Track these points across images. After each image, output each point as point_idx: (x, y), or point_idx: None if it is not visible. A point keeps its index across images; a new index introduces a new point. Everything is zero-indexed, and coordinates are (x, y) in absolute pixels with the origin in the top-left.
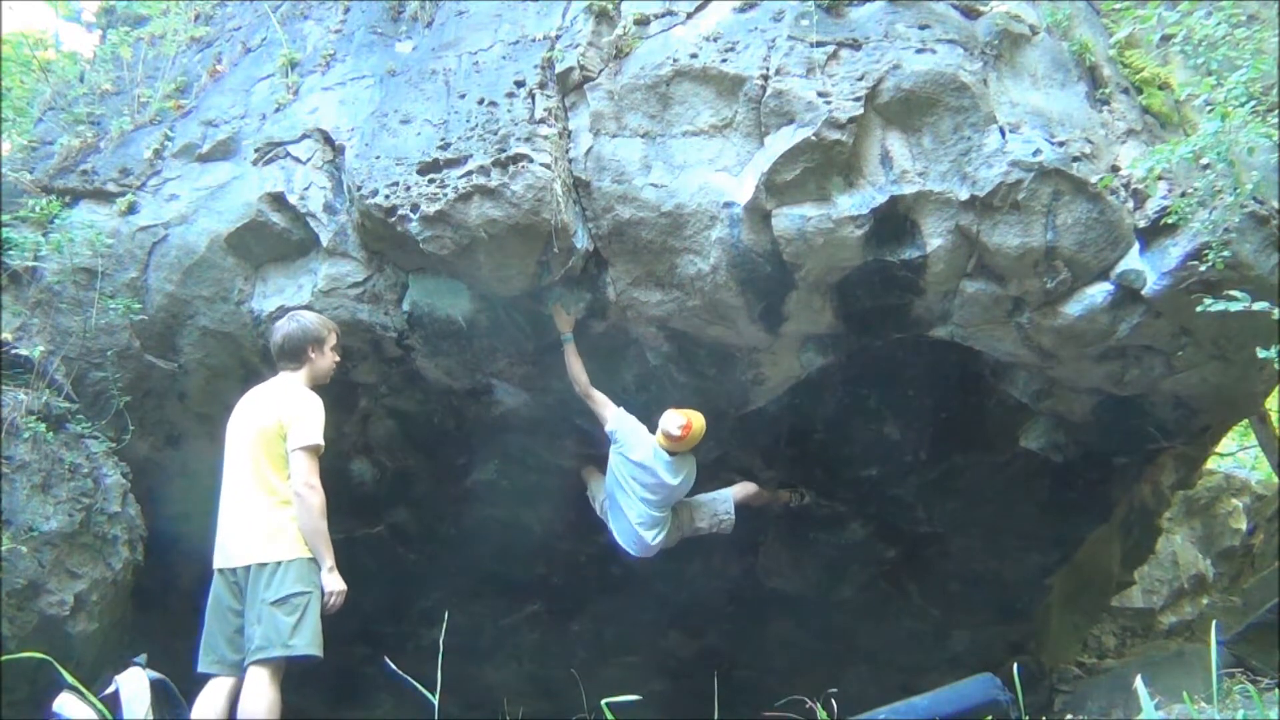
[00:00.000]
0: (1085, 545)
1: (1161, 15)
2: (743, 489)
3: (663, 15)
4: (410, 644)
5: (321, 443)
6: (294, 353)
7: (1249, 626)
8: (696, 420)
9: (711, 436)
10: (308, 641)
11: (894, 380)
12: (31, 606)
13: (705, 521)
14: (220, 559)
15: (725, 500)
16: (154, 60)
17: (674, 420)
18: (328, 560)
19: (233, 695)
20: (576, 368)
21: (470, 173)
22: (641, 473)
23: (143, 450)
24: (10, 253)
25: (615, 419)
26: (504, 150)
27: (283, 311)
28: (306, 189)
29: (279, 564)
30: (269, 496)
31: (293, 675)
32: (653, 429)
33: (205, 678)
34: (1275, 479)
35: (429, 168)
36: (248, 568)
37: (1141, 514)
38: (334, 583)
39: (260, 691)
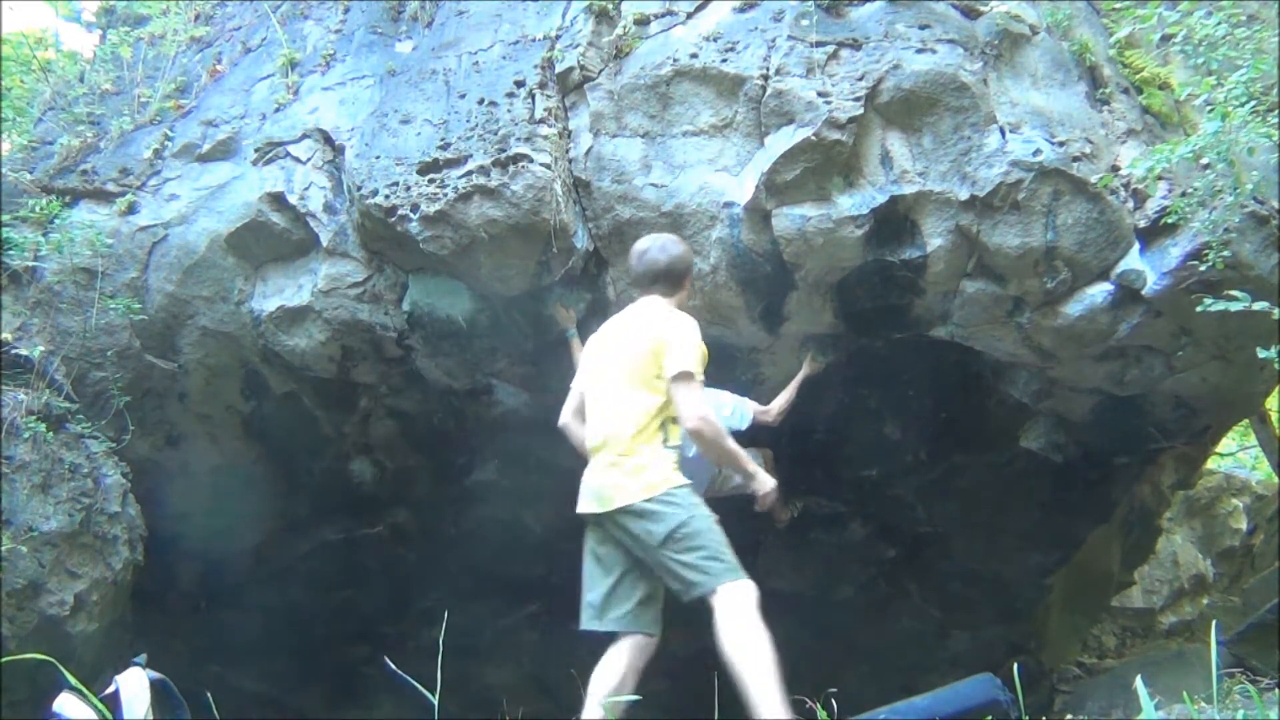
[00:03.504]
0: (1085, 545)
1: (1161, 15)
2: (763, 457)
3: (663, 15)
4: (410, 644)
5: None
6: (677, 278)
7: (1249, 626)
8: None
9: None
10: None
11: (894, 380)
12: (31, 606)
13: (738, 479)
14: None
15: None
16: (154, 60)
17: None
18: (749, 465)
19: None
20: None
21: (470, 173)
22: None
23: (143, 450)
24: (10, 253)
25: None
26: (504, 150)
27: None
28: (306, 189)
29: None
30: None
31: (293, 675)
32: None
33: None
34: (1275, 479)
35: (429, 168)
36: (614, 512)
37: (1141, 514)
38: (766, 482)
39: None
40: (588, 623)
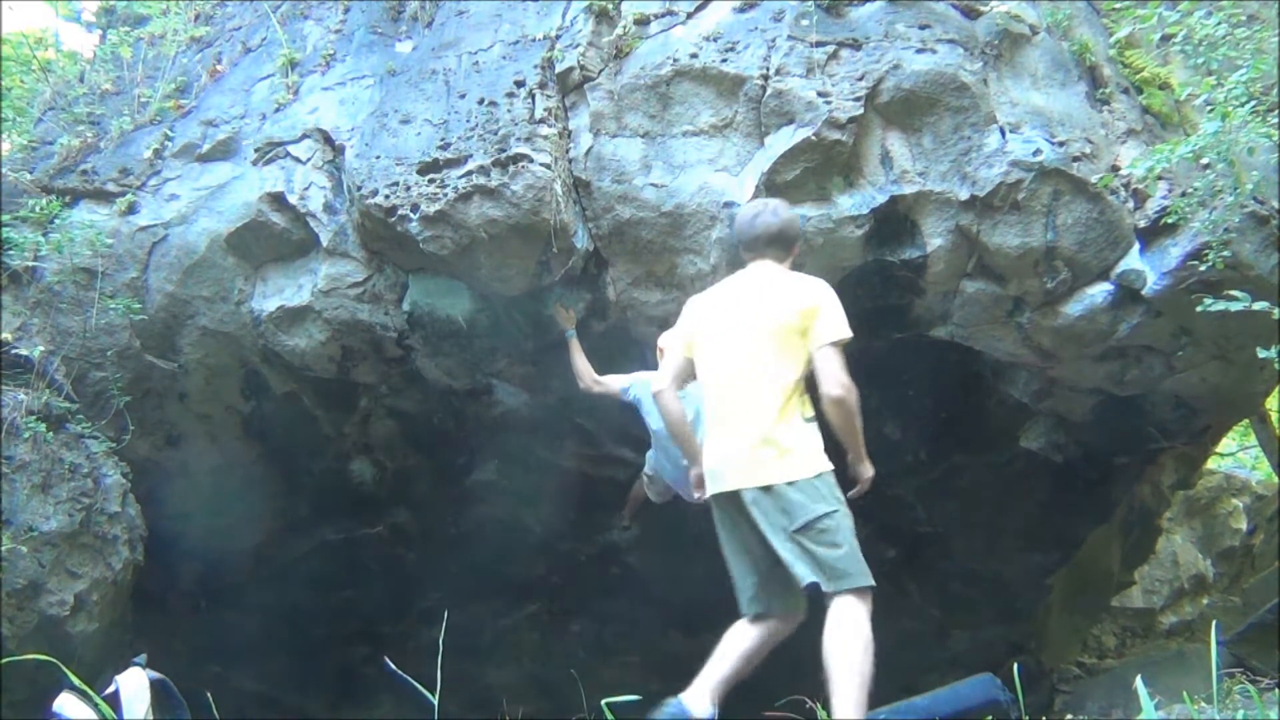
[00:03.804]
0: (1085, 545)
1: (1161, 15)
2: None
3: (663, 15)
4: (410, 644)
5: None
6: (790, 240)
7: (1249, 626)
8: None
9: None
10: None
11: (894, 380)
12: (31, 606)
13: None
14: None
15: None
16: (154, 60)
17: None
18: (863, 449)
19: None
20: (581, 363)
21: (470, 173)
22: (654, 425)
23: (143, 450)
24: (10, 253)
25: (626, 390)
26: (504, 150)
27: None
28: (306, 189)
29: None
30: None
31: (293, 675)
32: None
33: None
34: (1275, 479)
35: (429, 168)
36: (751, 490)
37: (1141, 514)
38: (869, 469)
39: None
40: (751, 608)
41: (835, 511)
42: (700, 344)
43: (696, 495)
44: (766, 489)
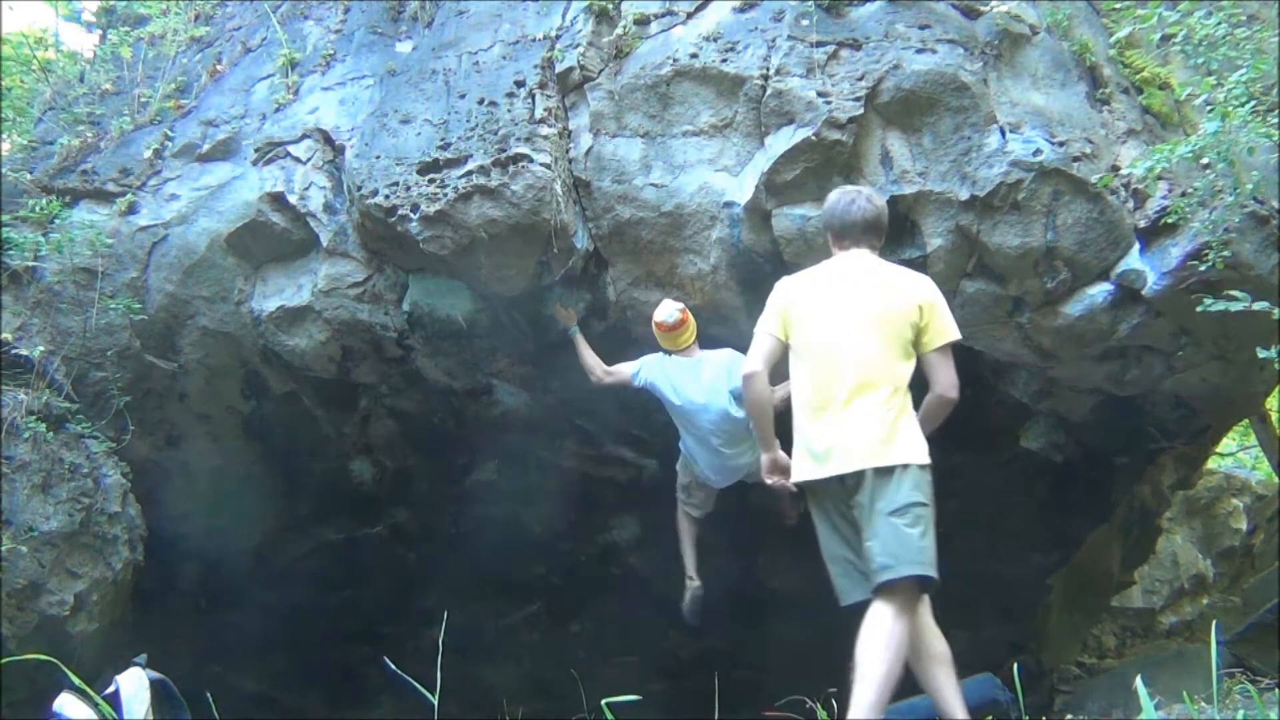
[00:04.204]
0: (1085, 545)
1: (1161, 15)
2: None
3: (663, 15)
4: (410, 644)
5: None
6: (883, 230)
7: (1249, 626)
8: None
9: None
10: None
11: None
12: (31, 606)
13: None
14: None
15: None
16: (154, 60)
17: (666, 308)
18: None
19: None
20: (589, 358)
21: (470, 173)
22: (674, 398)
23: (143, 450)
24: (10, 253)
25: (636, 375)
26: (504, 150)
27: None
28: (306, 189)
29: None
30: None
31: (293, 675)
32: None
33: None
34: (1275, 479)
35: (429, 168)
36: (862, 472)
37: (1141, 514)
38: None
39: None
40: (857, 594)
41: (929, 506)
42: (801, 326)
43: (770, 480)
44: (884, 471)
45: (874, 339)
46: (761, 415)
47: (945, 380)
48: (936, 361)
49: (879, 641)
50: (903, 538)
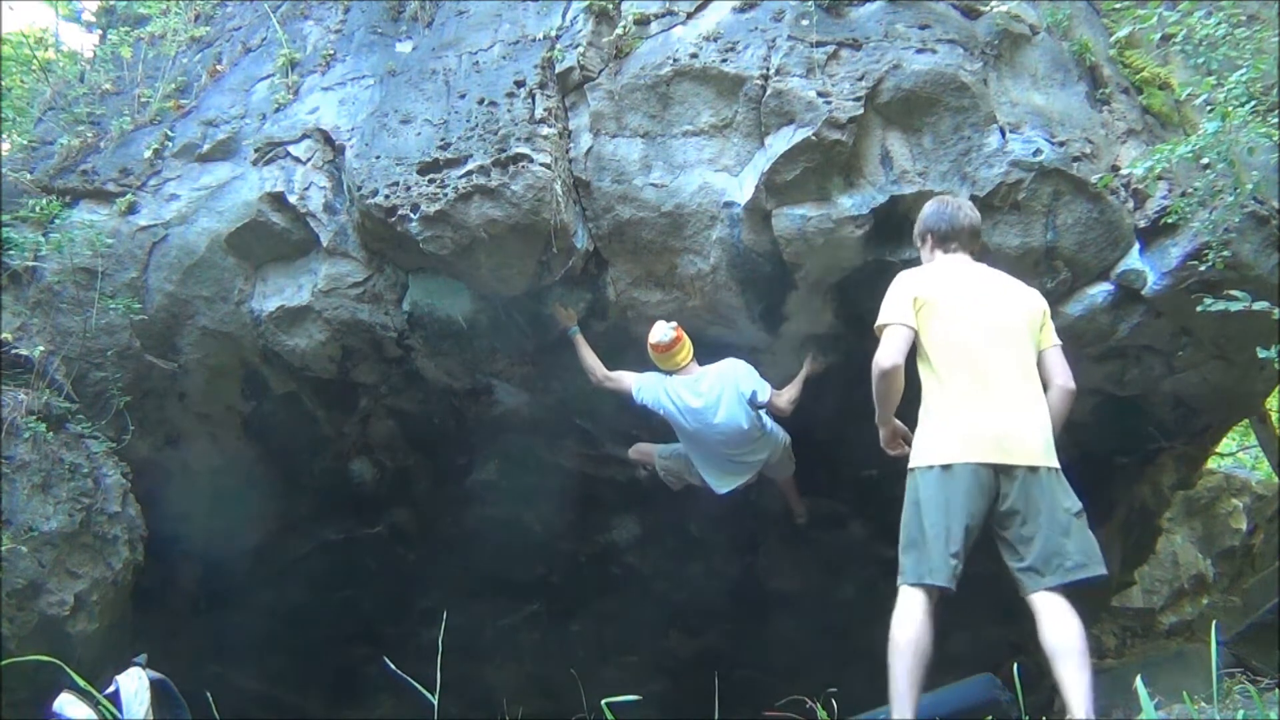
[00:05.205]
0: None
1: (1161, 15)
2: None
3: (663, 15)
4: (410, 644)
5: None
6: (980, 236)
7: (1249, 626)
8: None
9: None
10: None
11: None
12: (31, 606)
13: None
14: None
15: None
16: (154, 60)
17: (659, 329)
18: None
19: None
20: (590, 359)
21: (470, 173)
22: (682, 419)
23: (143, 450)
24: (10, 253)
25: (638, 391)
26: (504, 150)
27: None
28: (306, 189)
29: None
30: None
31: (293, 675)
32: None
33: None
34: (1275, 479)
35: (429, 168)
36: (1035, 469)
37: (1141, 514)
38: None
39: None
40: (938, 577)
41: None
42: (938, 317)
43: (894, 452)
44: (1053, 471)
45: (1026, 337)
46: (889, 403)
47: (1066, 374)
48: (1054, 357)
49: (1076, 632)
50: (1089, 540)
